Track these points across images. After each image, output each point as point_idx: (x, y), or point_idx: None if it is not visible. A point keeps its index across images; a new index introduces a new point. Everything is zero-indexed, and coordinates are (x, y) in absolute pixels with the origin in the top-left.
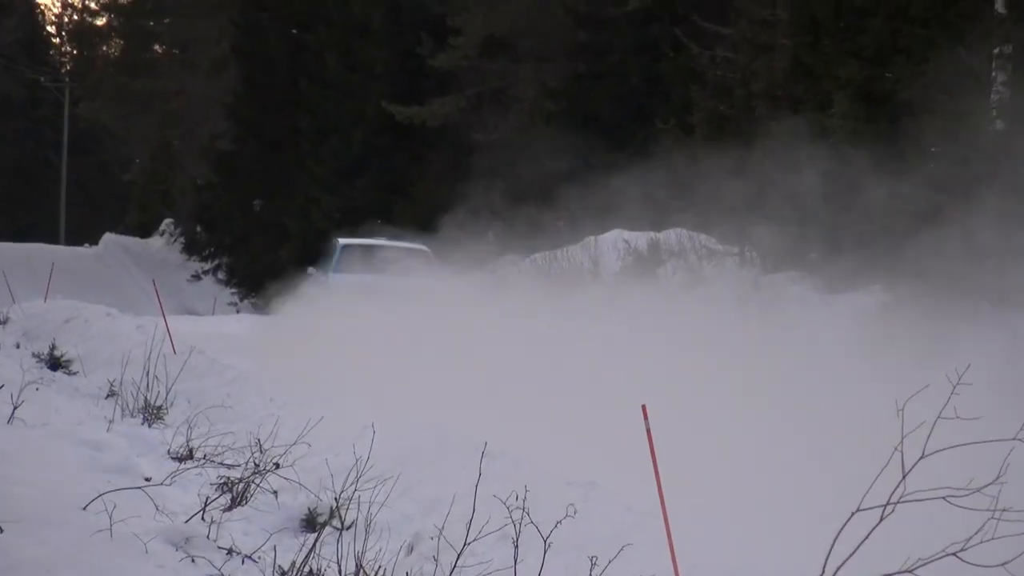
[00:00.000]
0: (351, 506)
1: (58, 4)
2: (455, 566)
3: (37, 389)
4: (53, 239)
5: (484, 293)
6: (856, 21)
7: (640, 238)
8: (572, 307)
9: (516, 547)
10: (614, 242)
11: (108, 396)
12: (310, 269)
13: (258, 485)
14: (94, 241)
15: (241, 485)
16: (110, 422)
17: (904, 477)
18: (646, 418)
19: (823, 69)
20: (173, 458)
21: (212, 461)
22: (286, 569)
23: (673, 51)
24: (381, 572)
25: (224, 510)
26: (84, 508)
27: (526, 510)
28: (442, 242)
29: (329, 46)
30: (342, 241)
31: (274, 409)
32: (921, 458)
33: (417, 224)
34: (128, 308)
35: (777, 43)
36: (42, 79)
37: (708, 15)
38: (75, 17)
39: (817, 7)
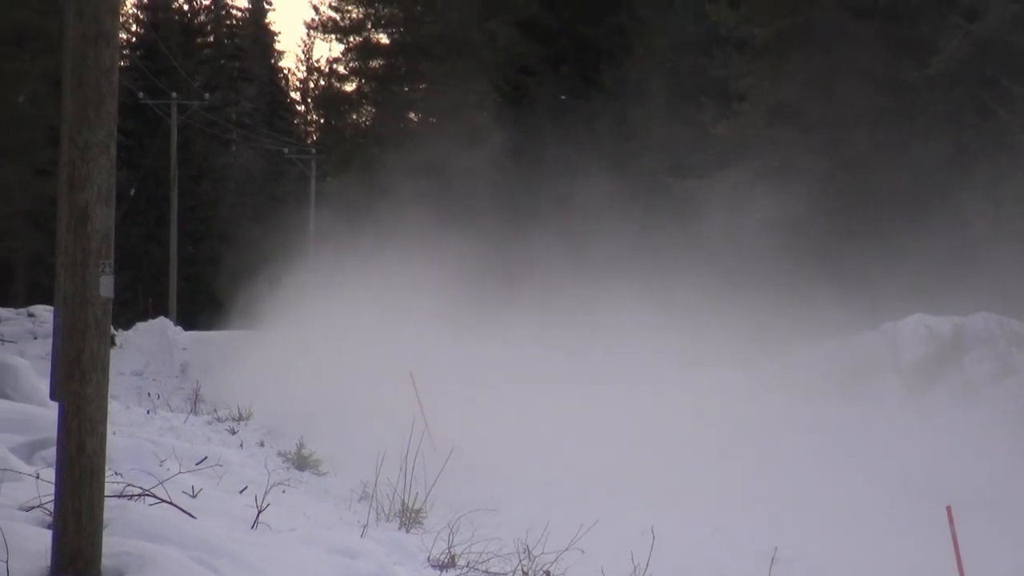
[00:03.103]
0: None
1: (303, 69)
2: None
3: (284, 491)
4: None
5: (768, 385)
6: None
7: (943, 323)
8: (868, 400)
9: None
10: (914, 328)
11: (361, 498)
12: None
13: None
14: None
15: None
16: (364, 527)
17: None
18: (951, 521)
19: None
20: (433, 566)
21: (476, 569)
22: None
23: (979, 117)
24: None
25: None
26: None
27: None
28: (709, 330)
29: (601, 113)
30: None
31: (544, 512)
32: None
33: None
34: (383, 402)
35: None
36: (286, 151)
37: (1018, 77)
38: (321, 83)
39: None
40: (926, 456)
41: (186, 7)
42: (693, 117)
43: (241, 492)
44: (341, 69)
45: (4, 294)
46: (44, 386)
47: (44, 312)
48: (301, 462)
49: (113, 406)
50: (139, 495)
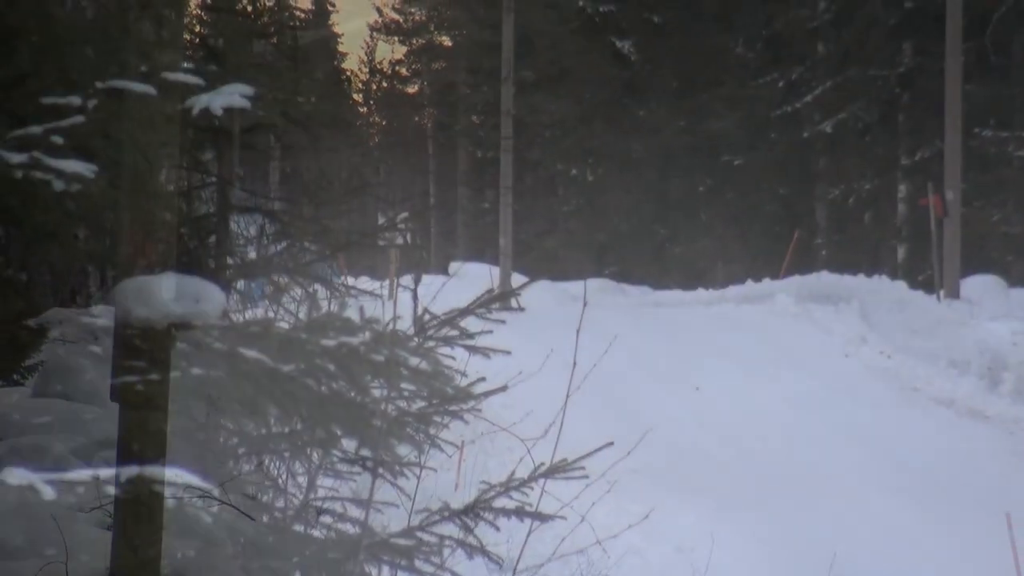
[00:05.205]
0: None
1: (365, 71)
2: None
3: None
4: None
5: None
6: None
7: None
8: None
9: None
10: None
11: None
12: None
13: None
14: None
15: None
16: None
17: None
18: (1010, 527)
19: None
20: None
21: None
22: None
23: None
24: None
25: None
26: None
27: None
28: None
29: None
30: None
31: None
32: None
33: None
34: None
35: None
36: None
37: None
38: (384, 84)
39: None
40: None
41: (249, 8)
42: None
43: None
44: (403, 71)
45: None
46: None
47: None
48: None
49: None
50: None
